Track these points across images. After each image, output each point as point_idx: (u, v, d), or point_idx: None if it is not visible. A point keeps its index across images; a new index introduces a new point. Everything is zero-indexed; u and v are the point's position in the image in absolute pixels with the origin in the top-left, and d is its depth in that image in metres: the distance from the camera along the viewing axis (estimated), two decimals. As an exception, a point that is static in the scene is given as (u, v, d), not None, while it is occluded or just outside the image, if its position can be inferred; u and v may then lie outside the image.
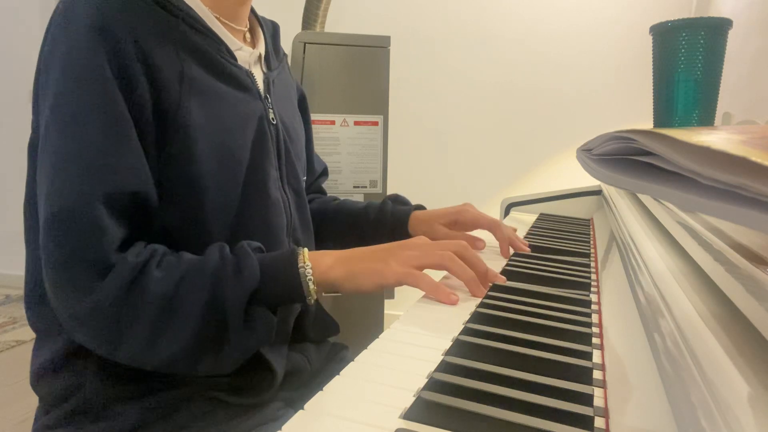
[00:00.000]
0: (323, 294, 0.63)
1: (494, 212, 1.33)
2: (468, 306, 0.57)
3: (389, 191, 1.45)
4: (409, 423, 0.35)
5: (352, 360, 0.43)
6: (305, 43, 1.39)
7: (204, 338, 0.55)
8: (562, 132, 2.02)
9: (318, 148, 1.42)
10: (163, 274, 0.55)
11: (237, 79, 0.66)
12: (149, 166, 0.58)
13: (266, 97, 0.71)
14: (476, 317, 0.54)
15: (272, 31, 0.81)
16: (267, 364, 0.64)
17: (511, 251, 0.83)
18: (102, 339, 0.55)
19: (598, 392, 0.39)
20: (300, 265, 0.58)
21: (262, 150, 0.67)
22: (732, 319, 0.33)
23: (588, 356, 0.45)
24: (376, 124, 1.43)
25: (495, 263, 0.74)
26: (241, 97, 0.66)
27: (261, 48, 0.75)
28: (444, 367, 0.42)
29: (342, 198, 0.97)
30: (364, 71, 1.42)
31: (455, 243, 0.63)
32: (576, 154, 0.46)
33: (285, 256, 0.59)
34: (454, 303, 0.57)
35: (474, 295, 0.60)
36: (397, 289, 1.14)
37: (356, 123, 1.42)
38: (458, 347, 0.46)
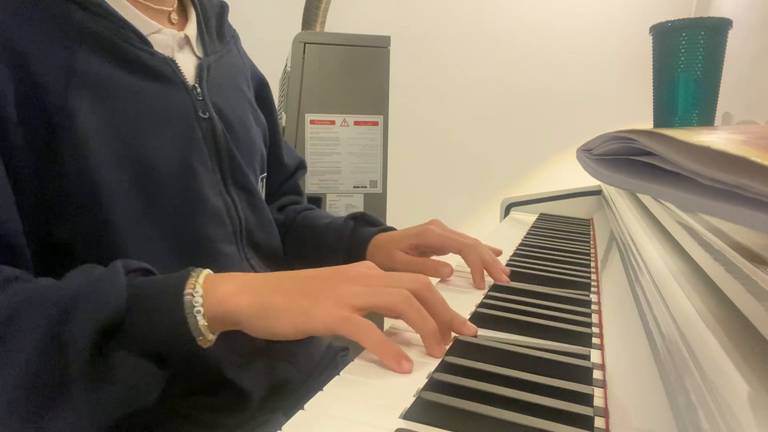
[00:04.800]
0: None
1: (494, 212, 1.33)
2: (469, 307, 0.57)
3: (389, 191, 1.45)
4: (409, 423, 0.35)
5: (352, 361, 0.43)
6: (305, 43, 1.39)
7: (38, 393, 0.40)
8: (562, 132, 2.02)
9: (318, 148, 1.42)
10: None
11: (150, 69, 0.55)
12: (21, 181, 0.47)
13: (195, 87, 0.60)
14: (476, 317, 0.54)
15: (218, 10, 0.70)
16: (235, 386, 0.55)
17: (489, 280, 0.66)
18: None
19: (598, 392, 0.39)
20: (188, 291, 0.42)
21: (192, 150, 0.58)
22: (732, 319, 0.33)
23: (588, 356, 0.45)
24: (376, 124, 1.43)
25: (467, 297, 0.60)
26: (155, 89, 0.56)
27: (191, 30, 0.64)
28: (444, 367, 0.42)
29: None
30: (364, 71, 1.42)
31: (414, 278, 0.46)
32: (576, 154, 0.46)
33: (169, 280, 0.44)
34: (406, 371, 0.41)
35: (431, 355, 0.44)
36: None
37: (356, 123, 1.42)
38: (458, 347, 0.46)
